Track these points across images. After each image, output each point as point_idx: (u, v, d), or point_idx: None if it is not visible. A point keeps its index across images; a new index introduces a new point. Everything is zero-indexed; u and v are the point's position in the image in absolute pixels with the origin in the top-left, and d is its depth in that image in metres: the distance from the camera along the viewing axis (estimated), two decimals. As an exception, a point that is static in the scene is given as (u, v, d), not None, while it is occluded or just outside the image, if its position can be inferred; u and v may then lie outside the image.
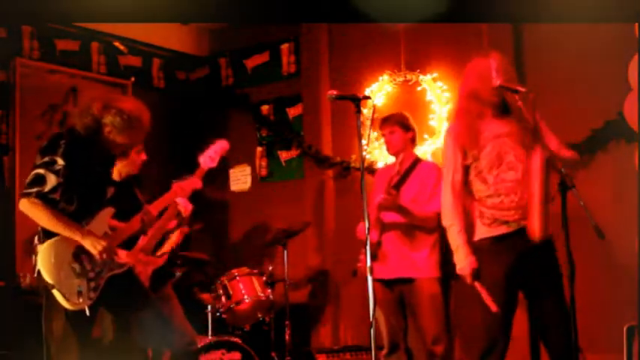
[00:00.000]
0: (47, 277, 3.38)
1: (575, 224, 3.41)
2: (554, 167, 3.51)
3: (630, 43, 4.87)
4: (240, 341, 5.14)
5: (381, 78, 6.15)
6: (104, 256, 3.42)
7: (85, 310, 3.42)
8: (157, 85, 7.05)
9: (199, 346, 4.88)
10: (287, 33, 6.75)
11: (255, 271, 5.49)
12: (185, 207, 4.26)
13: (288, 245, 5.63)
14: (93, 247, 3.41)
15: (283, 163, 6.78)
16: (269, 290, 5.39)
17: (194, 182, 4.10)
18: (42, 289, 3.47)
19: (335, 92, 3.75)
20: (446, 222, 3.76)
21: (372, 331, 3.42)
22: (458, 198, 3.72)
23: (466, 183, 3.73)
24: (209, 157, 4.08)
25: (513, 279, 3.58)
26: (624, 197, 5.01)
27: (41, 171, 3.37)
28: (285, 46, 6.81)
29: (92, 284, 3.47)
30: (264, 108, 6.88)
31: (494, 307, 3.50)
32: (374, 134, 6.04)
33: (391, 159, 6.05)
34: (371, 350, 3.45)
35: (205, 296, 5.49)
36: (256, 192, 6.78)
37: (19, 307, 5.24)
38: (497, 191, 3.61)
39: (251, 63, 7.01)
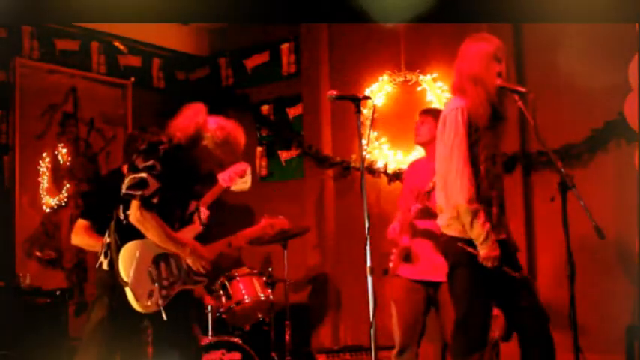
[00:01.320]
0: (124, 275, 3.46)
1: (575, 224, 3.41)
2: (555, 167, 3.50)
3: (630, 43, 4.87)
4: (240, 341, 5.14)
5: (381, 78, 6.15)
6: (202, 270, 3.64)
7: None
8: (157, 85, 7.06)
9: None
10: (287, 33, 6.75)
11: (255, 271, 5.49)
12: (203, 213, 4.32)
13: (288, 245, 5.63)
14: (194, 263, 3.60)
15: (283, 163, 6.78)
16: (269, 290, 5.39)
17: (283, 223, 4.33)
18: (103, 282, 3.56)
19: (335, 92, 3.74)
20: (469, 206, 3.39)
21: (372, 331, 3.42)
22: (472, 180, 3.44)
23: None
24: (228, 177, 4.19)
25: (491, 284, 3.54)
26: (624, 197, 5.01)
27: (144, 175, 3.45)
28: (285, 46, 6.81)
29: (163, 292, 3.54)
30: (264, 108, 6.88)
31: (518, 275, 3.49)
32: (374, 134, 6.04)
33: (392, 158, 6.09)
34: (371, 350, 3.46)
35: (204, 294, 5.50)
36: (256, 192, 6.78)
37: (19, 307, 5.24)
38: (489, 185, 3.51)
39: (251, 63, 7.02)
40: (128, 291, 3.46)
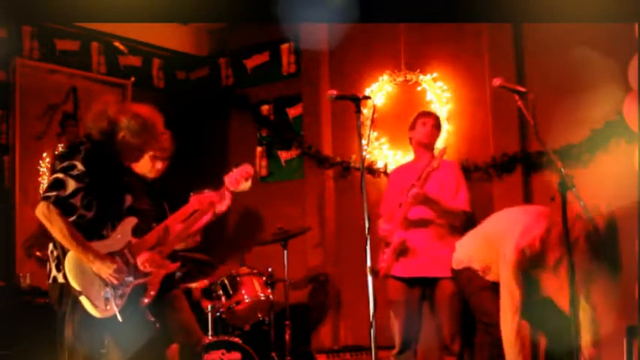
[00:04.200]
0: (75, 285, 3.39)
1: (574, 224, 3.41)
2: (555, 167, 3.50)
3: (630, 43, 4.86)
4: (240, 341, 5.14)
5: (381, 78, 6.15)
6: (113, 280, 3.45)
7: (116, 316, 3.46)
8: (157, 85, 7.05)
9: (199, 346, 4.90)
10: (287, 33, 6.74)
11: (255, 271, 5.49)
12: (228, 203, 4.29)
13: (288, 245, 5.63)
14: (101, 271, 3.44)
15: (283, 163, 6.78)
16: (269, 290, 5.39)
17: (212, 196, 4.18)
18: (60, 295, 3.50)
19: (335, 92, 3.76)
20: None
21: (372, 331, 3.43)
22: None
23: None
24: (234, 180, 4.18)
25: None
26: (624, 197, 5.00)
27: (60, 175, 3.38)
28: (285, 46, 6.81)
29: (119, 292, 3.50)
30: (264, 108, 6.88)
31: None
32: (374, 134, 6.04)
33: (392, 158, 6.08)
34: (371, 350, 3.46)
35: (202, 297, 5.50)
36: (256, 192, 6.77)
37: (19, 307, 5.24)
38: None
39: (251, 63, 7.01)
40: (84, 300, 3.39)
